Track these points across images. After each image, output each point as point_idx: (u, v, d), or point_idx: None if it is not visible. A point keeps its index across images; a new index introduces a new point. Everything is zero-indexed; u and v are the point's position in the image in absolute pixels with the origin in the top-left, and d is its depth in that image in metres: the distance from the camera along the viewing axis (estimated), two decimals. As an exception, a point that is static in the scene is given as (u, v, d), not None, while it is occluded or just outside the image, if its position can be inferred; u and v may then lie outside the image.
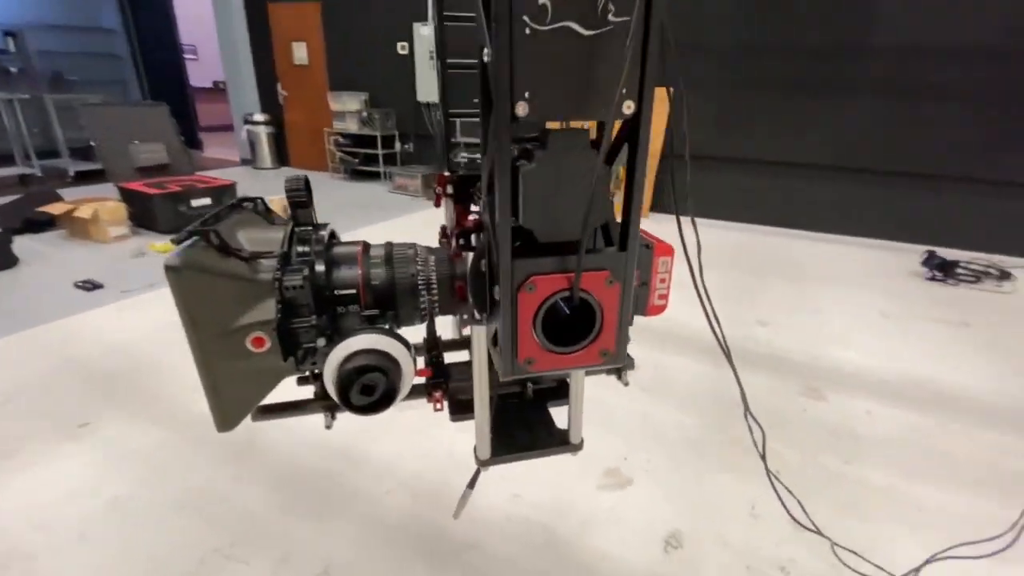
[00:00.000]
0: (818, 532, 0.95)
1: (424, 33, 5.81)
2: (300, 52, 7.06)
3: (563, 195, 0.44)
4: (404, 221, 4.92)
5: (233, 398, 0.67)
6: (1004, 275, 3.44)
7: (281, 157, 7.61)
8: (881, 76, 4.07)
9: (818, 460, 1.80)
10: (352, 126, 6.60)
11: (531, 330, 0.47)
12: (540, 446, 0.72)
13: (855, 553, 0.98)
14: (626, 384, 0.87)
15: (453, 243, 0.57)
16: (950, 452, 1.85)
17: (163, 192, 4.24)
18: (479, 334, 0.62)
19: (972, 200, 4.05)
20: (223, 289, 0.62)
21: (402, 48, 6.19)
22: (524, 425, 0.76)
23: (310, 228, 0.73)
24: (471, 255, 0.57)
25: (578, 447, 0.74)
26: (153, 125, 5.42)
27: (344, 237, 0.80)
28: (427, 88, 6.03)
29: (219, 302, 0.62)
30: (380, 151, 6.48)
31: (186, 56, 9.27)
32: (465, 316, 0.59)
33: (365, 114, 6.44)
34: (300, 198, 0.72)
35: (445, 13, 0.85)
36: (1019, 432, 1.97)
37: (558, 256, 0.46)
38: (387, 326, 0.69)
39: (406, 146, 6.74)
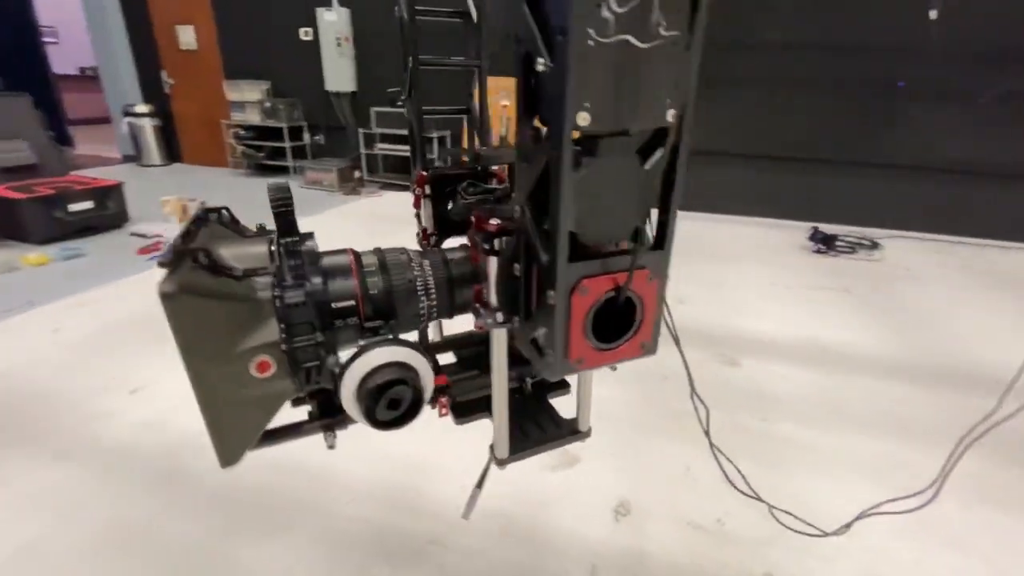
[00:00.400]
0: (757, 498, 1.07)
1: (329, 19, 5.50)
2: (187, 36, 6.39)
3: (608, 199, 0.46)
4: (324, 218, 4.66)
5: (237, 429, 0.63)
6: (874, 245, 4.00)
7: (171, 152, 6.87)
8: (767, 72, 4.51)
9: (740, 422, 1.98)
10: (254, 117, 6.11)
11: (582, 330, 0.49)
12: (552, 438, 0.74)
13: (790, 514, 1.12)
14: (614, 369, 0.91)
15: (483, 245, 0.57)
16: (852, 406, 2.12)
17: (32, 196, 3.69)
18: (499, 336, 0.63)
19: (846, 180, 4.62)
20: (223, 313, 0.57)
21: (305, 34, 5.83)
22: (530, 419, 0.78)
23: (296, 239, 0.69)
24: (493, 259, 0.57)
25: (587, 434, 0.77)
26: (12, 119, 4.62)
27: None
28: (336, 77, 5.72)
29: (220, 327, 0.57)
30: (288, 144, 6.08)
31: (45, 39, 8.03)
32: (490, 320, 0.59)
33: (268, 104, 5.99)
34: (286, 206, 0.68)
35: (417, 7, 0.82)
36: (904, 383, 2.29)
37: (603, 258, 0.48)
38: (389, 335, 0.67)
39: (316, 138, 6.37)
